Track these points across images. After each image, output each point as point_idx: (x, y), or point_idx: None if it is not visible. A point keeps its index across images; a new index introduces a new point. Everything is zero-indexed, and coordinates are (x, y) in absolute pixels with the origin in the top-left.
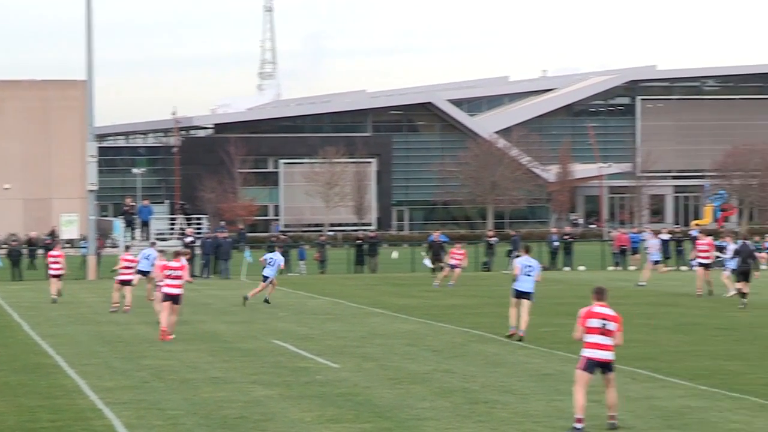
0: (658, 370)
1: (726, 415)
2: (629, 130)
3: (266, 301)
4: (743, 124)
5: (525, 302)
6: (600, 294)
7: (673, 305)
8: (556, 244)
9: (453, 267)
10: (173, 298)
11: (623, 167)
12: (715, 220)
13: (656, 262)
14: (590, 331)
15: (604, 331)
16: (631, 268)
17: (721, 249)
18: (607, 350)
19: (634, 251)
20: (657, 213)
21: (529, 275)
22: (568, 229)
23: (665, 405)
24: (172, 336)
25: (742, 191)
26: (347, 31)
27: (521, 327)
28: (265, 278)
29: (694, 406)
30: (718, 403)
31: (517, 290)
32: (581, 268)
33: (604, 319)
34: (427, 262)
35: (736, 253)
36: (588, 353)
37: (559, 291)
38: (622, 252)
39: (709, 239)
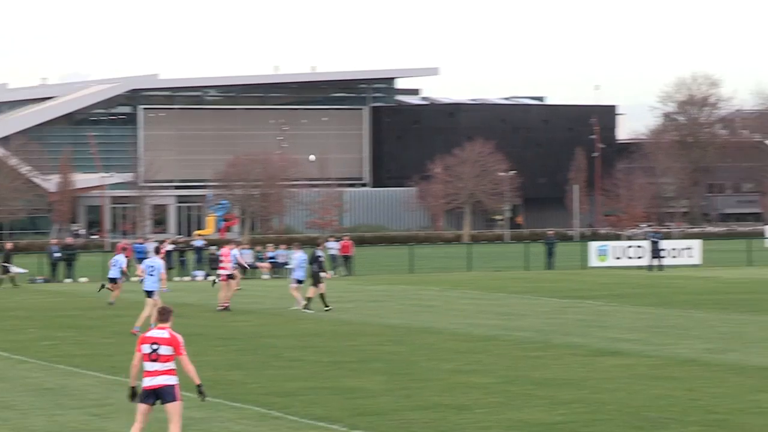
0: None
1: (228, 426)
2: (131, 140)
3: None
4: (245, 134)
5: (148, 300)
6: (161, 315)
7: (178, 316)
8: (57, 255)
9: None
10: None
11: (126, 177)
12: (218, 230)
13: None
14: (144, 357)
15: (154, 357)
16: (134, 279)
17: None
18: (158, 376)
19: (139, 262)
20: (160, 223)
21: (151, 275)
22: (69, 240)
23: None
24: None
25: (244, 201)
26: None
27: (137, 324)
28: (113, 280)
29: (197, 417)
30: (221, 413)
31: (144, 290)
32: (83, 279)
33: (154, 343)
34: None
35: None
36: (143, 382)
37: (61, 303)
38: None
39: (227, 250)
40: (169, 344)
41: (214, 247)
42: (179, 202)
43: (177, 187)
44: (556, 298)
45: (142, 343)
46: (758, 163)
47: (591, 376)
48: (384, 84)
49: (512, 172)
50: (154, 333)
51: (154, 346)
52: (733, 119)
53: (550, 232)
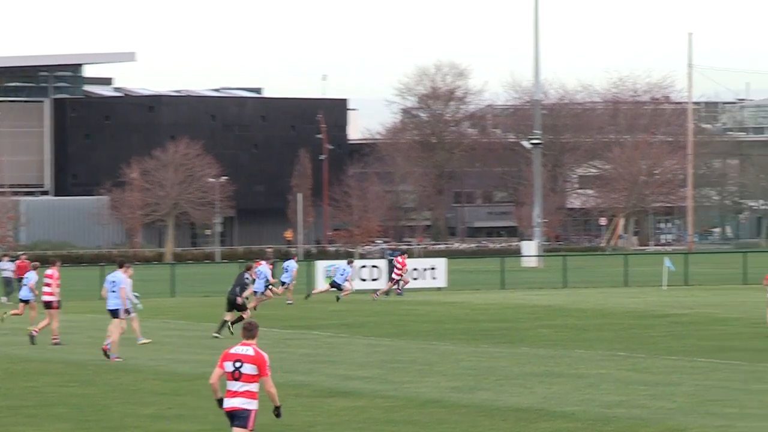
0: None
1: None
2: None
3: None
4: None
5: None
6: (246, 331)
7: None
8: None
9: None
10: None
11: None
12: None
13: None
14: (228, 376)
15: (236, 375)
16: None
17: None
18: (236, 397)
19: None
20: None
21: (114, 291)
22: None
23: None
24: None
25: None
26: None
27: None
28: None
29: None
30: None
31: (108, 309)
32: None
33: (238, 360)
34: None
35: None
36: (224, 403)
37: None
38: None
39: None
40: (253, 362)
41: None
42: None
43: None
44: (277, 328)
45: (225, 360)
46: (513, 168)
47: (318, 420)
48: (69, 72)
49: (224, 178)
50: (239, 350)
51: (237, 364)
52: (483, 116)
53: (269, 249)
